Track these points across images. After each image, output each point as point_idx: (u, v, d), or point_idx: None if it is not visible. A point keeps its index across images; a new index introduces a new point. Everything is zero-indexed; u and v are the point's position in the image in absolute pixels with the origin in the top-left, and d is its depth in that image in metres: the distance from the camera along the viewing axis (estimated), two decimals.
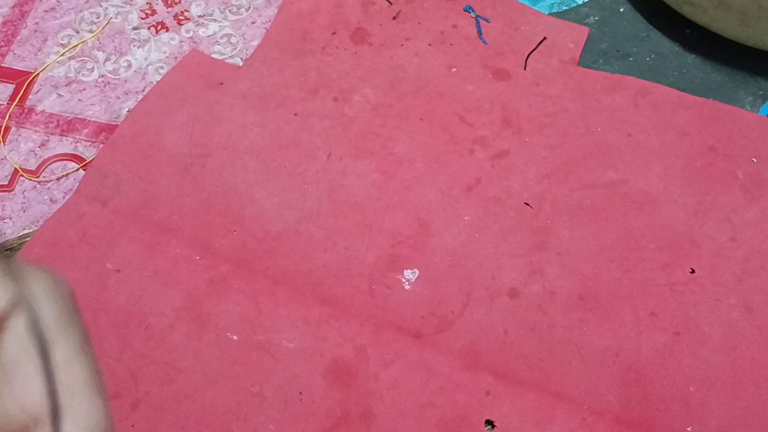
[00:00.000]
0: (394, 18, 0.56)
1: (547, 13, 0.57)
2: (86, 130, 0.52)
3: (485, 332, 0.44)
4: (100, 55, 0.55)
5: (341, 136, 0.51)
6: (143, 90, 0.54)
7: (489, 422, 0.41)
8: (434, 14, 0.56)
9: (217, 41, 0.56)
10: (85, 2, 0.58)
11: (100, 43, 0.56)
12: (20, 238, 0.47)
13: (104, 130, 0.52)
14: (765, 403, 0.41)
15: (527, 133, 0.51)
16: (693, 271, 0.45)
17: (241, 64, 0.55)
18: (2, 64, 0.55)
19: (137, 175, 0.49)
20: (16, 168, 0.50)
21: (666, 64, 0.54)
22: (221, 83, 0.53)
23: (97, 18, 0.57)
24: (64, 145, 0.51)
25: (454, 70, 0.54)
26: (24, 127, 0.52)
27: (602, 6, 0.57)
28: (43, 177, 0.50)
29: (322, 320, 0.44)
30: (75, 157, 0.51)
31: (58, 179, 0.50)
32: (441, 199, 0.48)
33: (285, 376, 0.42)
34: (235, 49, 0.56)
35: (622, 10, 0.57)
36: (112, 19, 0.57)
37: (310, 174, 0.49)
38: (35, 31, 0.56)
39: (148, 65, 0.55)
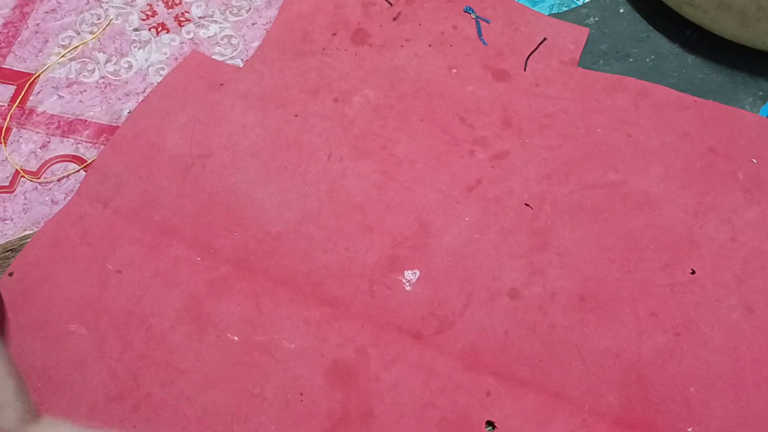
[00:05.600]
0: (394, 19, 0.56)
1: (547, 14, 0.57)
2: (87, 132, 0.52)
3: (486, 333, 0.44)
4: (101, 57, 0.55)
5: (342, 136, 0.51)
6: (144, 91, 0.54)
7: (490, 423, 0.41)
8: (434, 15, 0.57)
9: (217, 42, 0.56)
10: (86, 3, 0.58)
11: (100, 44, 0.56)
12: (21, 239, 0.47)
13: (105, 131, 0.52)
14: (766, 403, 0.41)
15: (527, 134, 0.51)
16: (693, 272, 0.45)
17: (241, 65, 0.55)
18: (3, 66, 0.55)
19: (138, 176, 0.49)
20: (17, 169, 0.50)
21: (666, 65, 0.54)
22: (222, 84, 0.53)
23: (98, 19, 0.57)
24: (65, 146, 0.51)
25: (454, 71, 0.54)
26: (25, 129, 0.52)
27: (602, 7, 0.57)
28: (44, 178, 0.50)
29: (323, 321, 0.44)
30: (76, 158, 0.51)
31: (59, 180, 0.50)
32: (441, 199, 0.48)
33: (286, 376, 0.42)
34: (235, 50, 0.56)
35: (622, 11, 0.57)
36: (113, 21, 0.57)
37: (310, 175, 0.49)
38: (36, 32, 0.56)
39: (148, 66, 0.55)
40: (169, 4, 0.58)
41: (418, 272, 0.46)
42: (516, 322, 0.44)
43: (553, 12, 0.57)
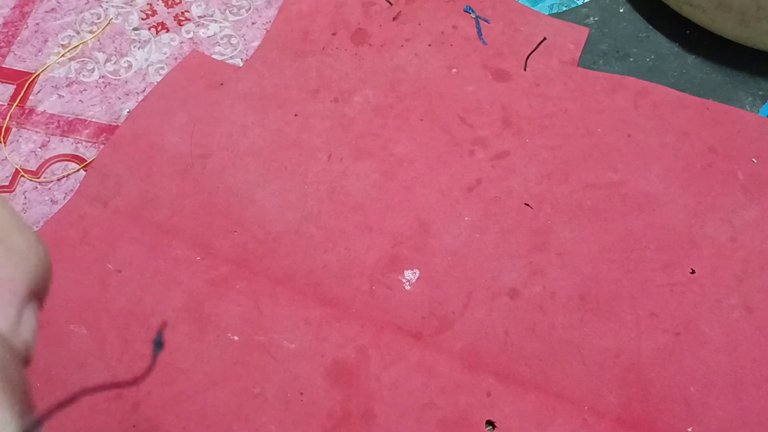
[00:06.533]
0: (394, 19, 0.56)
1: (546, 13, 0.57)
2: (87, 131, 0.52)
3: (486, 333, 0.44)
4: (101, 56, 0.55)
5: (341, 136, 0.51)
6: (144, 91, 0.54)
7: (490, 423, 0.41)
8: (434, 15, 0.57)
9: (217, 42, 0.56)
10: (86, 3, 0.58)
11: (100, 43, 0.56)
12: None
13: (105, 131, 0.52)
14: (766, 403, 0.41)
15: (527, 134, 0.51)
16: (693, 272, 0.46)
17: (241, 64, 0.55)
18: (3, 65, 0.55)
19: (138, 175, 0.49)
20: (17, 169, 0.50)
21: (666, 65, 0.54)
22: (222, 84, 0.53)
23: (98, 19, 0.57)
24: (65, 146, 0.51)
25: (454, 70, 0.54)
26: (25, 128, 0.52)
27: (602, 6, 0.57)
28: (44, 178, 0.50)
29: (323, 321, 0.44)
30: (76, 158, 0.51)
31: (58, 180, 0.50)
32: (441, 199, 0.48)
33: (286, 376, 0.42)
34: (235, 49, 0.56)
35: (622, 10, 0.57)
36: (113, 20, 0.57)
37: (310, 175, 0.49)
38: (36, 31, 0.56)
39: (148, 66, 0.55)
40: (169, 3, 0.58)
41: (418, 272, 0.46)
42: (516, 322, 0.44)
43: (553, 12, 0.57)
